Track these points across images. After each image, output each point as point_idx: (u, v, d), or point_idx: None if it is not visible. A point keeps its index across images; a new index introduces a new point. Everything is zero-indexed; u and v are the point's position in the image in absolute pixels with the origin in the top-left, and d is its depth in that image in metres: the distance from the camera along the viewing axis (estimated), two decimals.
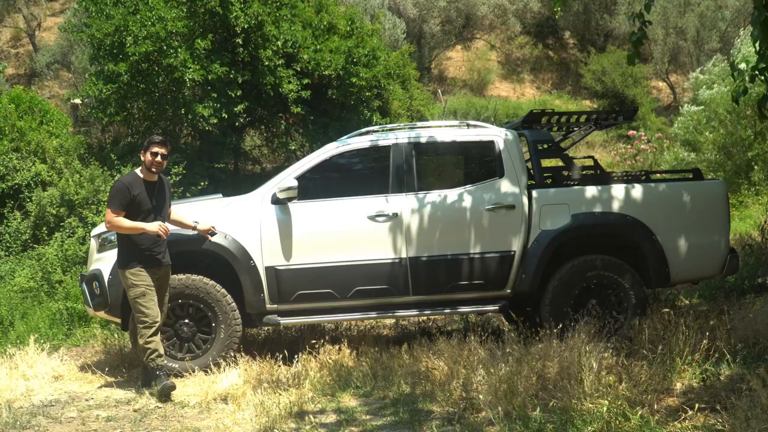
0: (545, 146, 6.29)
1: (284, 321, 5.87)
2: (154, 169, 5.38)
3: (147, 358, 5.32)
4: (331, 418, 4.58)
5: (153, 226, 5.28)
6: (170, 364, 5.72)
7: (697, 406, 4.28)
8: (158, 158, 5.36)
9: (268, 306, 5.84)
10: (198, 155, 11.28)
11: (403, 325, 7.52)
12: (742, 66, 4.88)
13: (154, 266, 5.39)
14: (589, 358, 4.66)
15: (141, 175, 5.42)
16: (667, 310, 5.61)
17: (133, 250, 5.34)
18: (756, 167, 10.94)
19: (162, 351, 5.38)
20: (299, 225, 5.81)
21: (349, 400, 4.93)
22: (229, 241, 5.73)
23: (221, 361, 5.69)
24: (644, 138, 14.96)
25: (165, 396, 5.16)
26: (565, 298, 5.83)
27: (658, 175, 7.53)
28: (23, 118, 11.01)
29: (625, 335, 5.56)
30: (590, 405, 4.13)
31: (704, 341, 4.97)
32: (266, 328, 6.77)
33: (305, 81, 10.98)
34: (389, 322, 7.50)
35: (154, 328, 5.30)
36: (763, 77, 4.59)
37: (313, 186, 5.93)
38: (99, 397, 5.37)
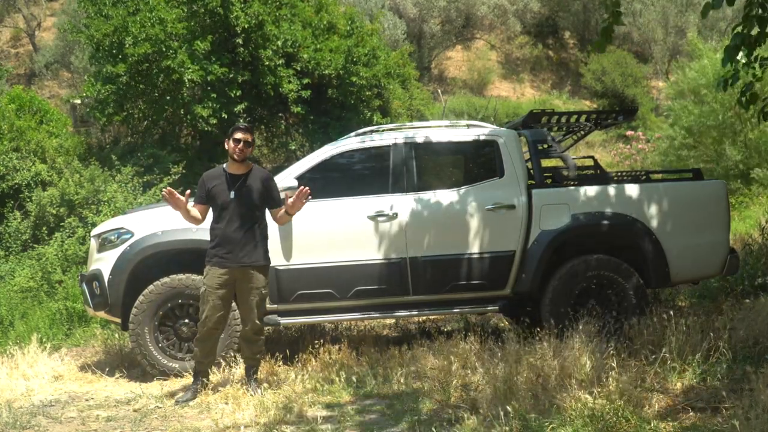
0: (545, 146, 6.29)
1: (284, 321, 5.86)
2: (236, 157, 5.15)
3: (192, 358, 5.35)
4: (331, 418, 4.57)
5: (195, 213, 5.15)
6: (170, 365, 5.73)
7: (697, 406, 4.29)
8: (240, 145, 5.10)
9: (268, 306, 5.83)
10: (198, 155, 11.29)
11: (403, 325, 7.52)
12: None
13: (223, 266, 5.09)
14: (589, 358, 4.67)
15: (225, 168, 5.24)
16: (668, 310, 5.61)
17: (209, 246, 5.18)
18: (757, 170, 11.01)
19: (204, 360, 5.23)
20: (299, 225, 5.80)
21: (349, 400, 4.93)
22: None
23: (221, 361, 5.69)
24: (643, 138, 15.00)
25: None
26: (565, 298, 5.83)
27: (658, 175, 7.53)
28: (22, 118, 11.01)
29: (625, 335, 5.56)
30: (590, 405, 4.13)
31: (704, 341, 4.97)
32: (266, 328, 6.76)
33: (305, 81, 10.99)
34: (389, 322, 7.50)
35: (206, 329, 5.13)
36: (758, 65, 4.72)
37: (313, 186, 5.90)
38: (99, 397, 5.36)
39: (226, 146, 5.24)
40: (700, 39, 13.35)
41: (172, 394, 5.29)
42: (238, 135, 5.15)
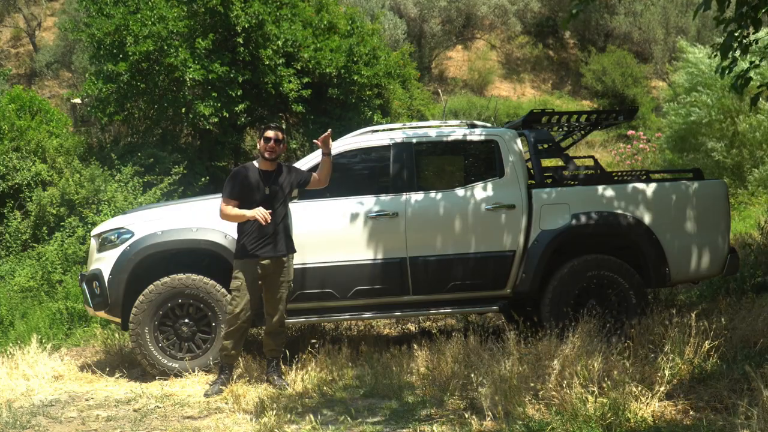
0: (545, 146, 6.29)
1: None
2: (267, 155, 5.35)
3: (219, 353, 5.43)
4: (331, 417, 4.57)
5: (250, 212, 5.21)
6: (170, 364, 5.73)
7: (697, 405, 4.29)
8: (271, 143, 5.32)
9: None
10: (198, 155, 11.28)
11: (403, 325, 7.52)
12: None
13: (263, 257, 5.28)
14: (589, 358, 4.67)
15: (257, 165, 5.43)
16: (668, 309, 5.61)
17: (239, 241, 5.35)
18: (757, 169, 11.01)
19: (233, 351, 5.36)
20: (299, 225, 5.80)
21: (349, 400, 4.93)
22: (229, 241, 5.71)
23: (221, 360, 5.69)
24: (643, 138, 15.01)
25: (206, 395, 5.20)
26: (565, 298, 5.83)
27: (659, 174, 7.52)
28: (22, 118, 11.00)
29: (625, 335, 5.55)
30: (591, 404, 4.14)
31: (705, 341, 4.97)
32: None
33: (305, 80, 10.98)
34: (389, 322, 7.50)
35: (238, 321, 5.28)
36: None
37: None
38: (99, 397, 5.36)
39: (258, 146, 5.48)
40: (688, 44, 13.41)
41: (171, 394, 5.29)
42: (269, 134, 5.37)
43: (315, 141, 5.54)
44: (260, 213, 5.16)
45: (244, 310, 5.29)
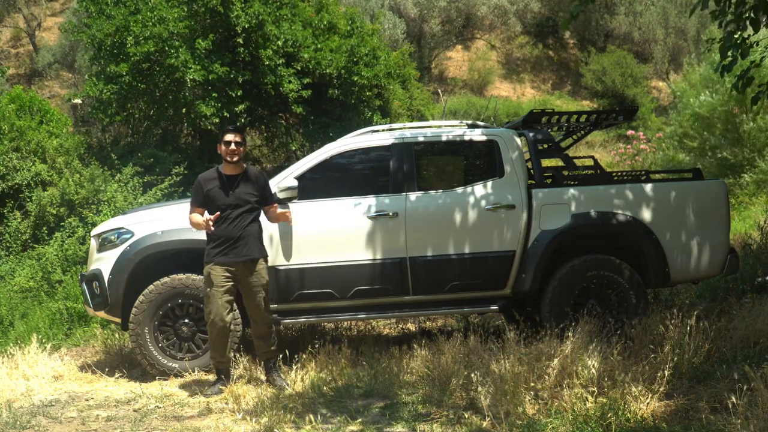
0: (545, 146, 6.29)
1: (284, 321, 5.86)
2: (228, 158, 5.29)
3: (211, 359, 5.42)
4: (331, 418, 4.58)
5: (201, 219, 5.22)
6: (170, 365, 5.73)
7: (697, 406, 4.29)
8: (231, 146, 5.25)
9: None
10: (198, 155, 11.28)
11: (403, 325, 7.52)
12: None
13: (226, 263, 5.22)
14: (589, 358, 4.67)
15: (221, 169, 5.38)
16: (668, 309, 5.61)
17: (209, 246, 5.30)
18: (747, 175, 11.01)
19: (221, 352, 5.30)
20: (299, 225, 5.80)
21: (349, 401, 4.93)
22: None
23: None
24: (643, 138, 15.01)
25: (206, 395, 5.18)
26: (565, 298, 5.83)
27: (658, 175, 7.52)
28: (22, 118, 11.01)
29: (626, 335, 5.56)
30: (591, 404, 4.14)
31: (705, 341, 4.97)
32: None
33: (306, 80, 10.98)
34: (389, 322, 7.50)
35: (215, 328, 5.21)
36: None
37: (313, 186, 5.92)
38: (99, 397, 5.36)
39: (219, 150, 5.39)
40: (715, 28, 13.31)
41: (171, 394, 5.29)
42: (228, 137, 5.29)
43: (281, 213, 5.57)
44: (205, 221, 5.17)
45: (217, 315, 5.19)
